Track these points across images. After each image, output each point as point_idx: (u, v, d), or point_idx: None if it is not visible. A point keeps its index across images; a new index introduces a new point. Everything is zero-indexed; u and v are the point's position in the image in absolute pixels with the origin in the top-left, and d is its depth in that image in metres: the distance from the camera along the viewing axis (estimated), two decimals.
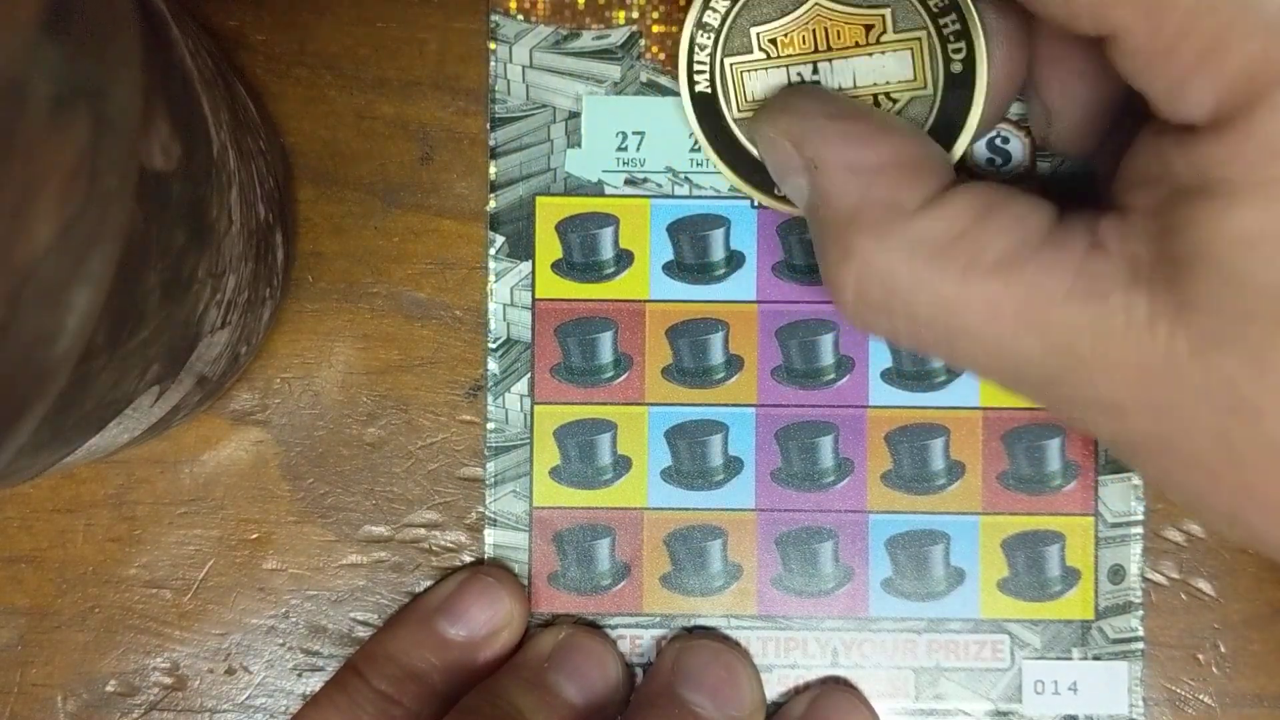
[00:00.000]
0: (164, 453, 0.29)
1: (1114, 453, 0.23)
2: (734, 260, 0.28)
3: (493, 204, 0.28)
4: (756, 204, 0.28)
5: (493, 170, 0.28)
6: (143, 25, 0.17)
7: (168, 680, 0.29)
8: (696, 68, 0.26)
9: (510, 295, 0.28)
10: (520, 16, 0.28)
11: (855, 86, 0.25)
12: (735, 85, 0.26)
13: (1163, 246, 0.20)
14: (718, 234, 0.28)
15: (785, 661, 0.28)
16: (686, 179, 0.28)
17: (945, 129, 0.25)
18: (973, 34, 0.25)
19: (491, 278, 0.28)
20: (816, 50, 0.25)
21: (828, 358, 0.28)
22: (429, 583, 0.29)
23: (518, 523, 0.28)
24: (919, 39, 0.25)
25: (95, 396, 0.19)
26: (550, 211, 0.28)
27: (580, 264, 0.28)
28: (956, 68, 0.25)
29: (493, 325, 0.28)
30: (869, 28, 0.25)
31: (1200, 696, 0.28)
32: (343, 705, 0.26)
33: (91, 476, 0.29)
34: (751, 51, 0.26)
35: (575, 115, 0.28)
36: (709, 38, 0.26)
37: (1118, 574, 0.28)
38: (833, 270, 0.23)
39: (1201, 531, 0.28)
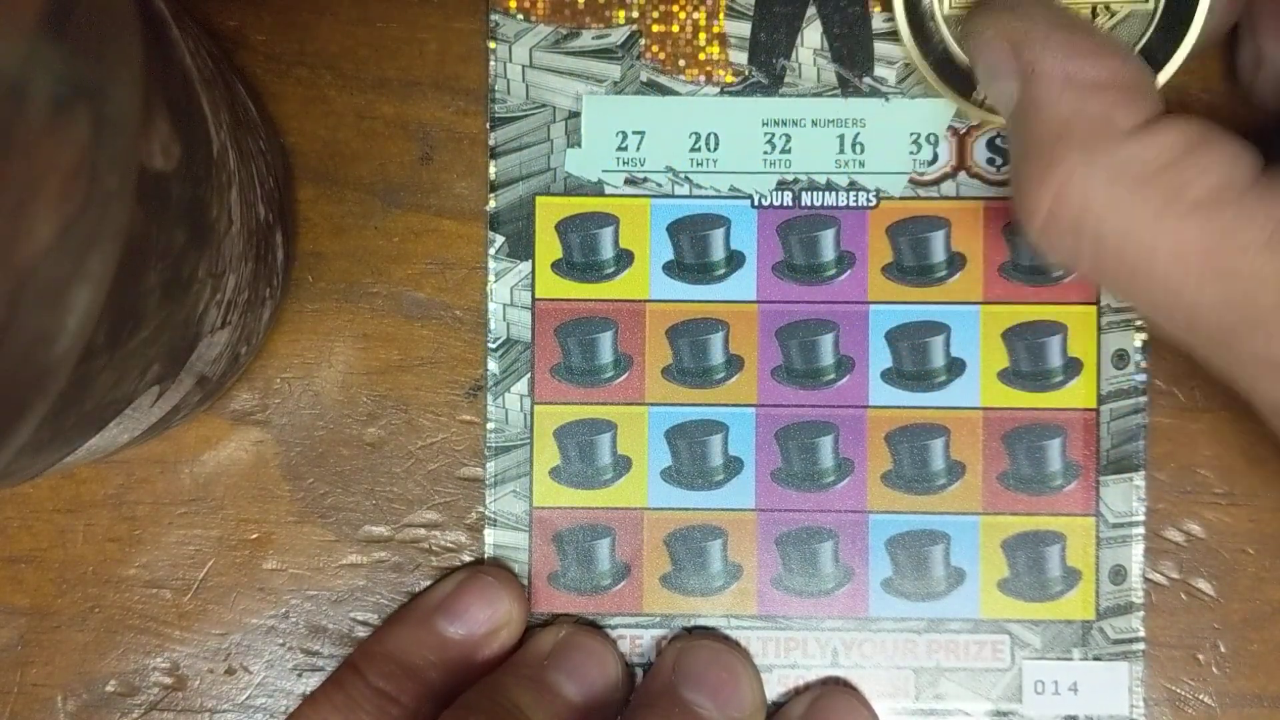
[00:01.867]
0: (164, 453, 0.29)
1: (1271, 418, 0.22)
2: (734, 260, 0.28)
3: (493, 204, 0.28)
4: (757, 204, 0.28)
5: (493, 170, 0.28)
6: (143, 25, 0.17)
7: (168, 680, 0.29)
8: None
9: (510, 295, 0.28)
10: (520, 16, 0.28)
11: None
12: None
13: None
14: (718, 234, 0.28)
15: (785, 661, 0.28)
16: (686, 179, 0.28)
17: (1154, 52, 0.25)
18: None
19: (491, 278, 0.28)
20: None
21: (828, 358, 0.28)
22: (429, 583, 0.29)
23: (518, 523, 0.28)
24: None
25: (95, 396, 0.19)
26: (550, 211, 0.28)
27: (580, 264, 0.28)
28: None
29: (493, 325, 0.28)
30: None
31: (1200, 696, 0.28)
32: (341, 703, 0.26)
33: (91, 476, 0.29)
34: None
35: (575, 115, 0.28)
36: None
37: (1119, 575, 0.28)
38: (1030, 183, 0.22)
39: (1202, 531, 0.28)
